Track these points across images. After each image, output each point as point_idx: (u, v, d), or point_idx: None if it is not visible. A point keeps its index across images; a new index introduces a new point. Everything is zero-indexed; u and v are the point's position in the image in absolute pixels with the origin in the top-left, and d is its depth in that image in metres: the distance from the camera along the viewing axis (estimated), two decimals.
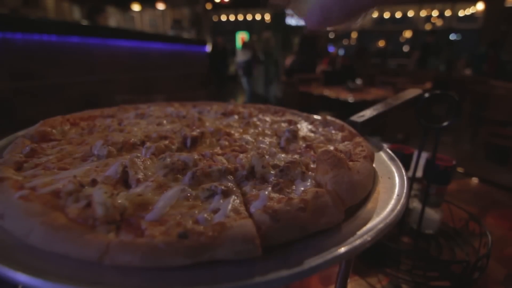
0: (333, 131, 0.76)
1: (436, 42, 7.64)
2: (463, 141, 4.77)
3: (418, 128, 0.83)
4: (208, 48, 7.40)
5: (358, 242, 0.37)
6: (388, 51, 11.72)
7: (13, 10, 5.23)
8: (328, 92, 4.67)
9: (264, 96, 7.08)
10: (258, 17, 13.93)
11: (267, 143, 0.66)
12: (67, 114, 0.76)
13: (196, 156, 0.52)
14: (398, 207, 0.46)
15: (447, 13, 11.73)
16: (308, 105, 4.78)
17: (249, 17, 14.28)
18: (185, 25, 11.15)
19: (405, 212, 0.94)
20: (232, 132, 0.73)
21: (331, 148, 0.63)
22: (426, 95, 0.82)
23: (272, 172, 0.50)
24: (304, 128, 0.80)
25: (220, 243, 0.33)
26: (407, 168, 0.93)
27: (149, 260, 0.31)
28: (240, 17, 14.53)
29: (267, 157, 0.55)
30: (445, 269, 0.83)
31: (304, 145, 0.65)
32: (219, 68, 8.03)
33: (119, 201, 0.39)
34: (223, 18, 14.81)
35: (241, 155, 0.56)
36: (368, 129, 0.75)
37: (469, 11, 10.75)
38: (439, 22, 12.03)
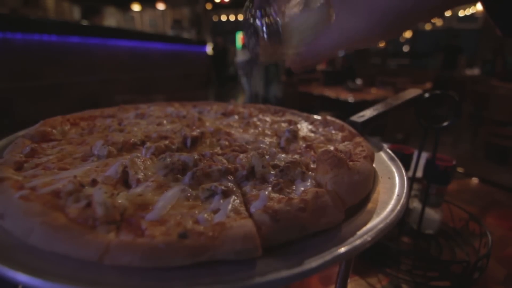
0: (333, 131, 0.76)
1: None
2: (463, 141, 4.78)
3: (418, 128, 0.83)
4: (208, 48, 7.39)
5: (358, 242, 0.37)
6: (388, 51, 11.72)
7: (13, 10, 5.22)
8: (328, 92, 4.68)
9: (264, 96, 7.06)
10: None
11: (267, 143, 0.66)
12: (67, 114, 0.76)
13: (196, 156, 0.52)
14: (398, 207, 0.45)
15: (447, 13, 11.72)
16: (308, 105, 4.78)
17: None
18: (185, 25, 11.13)
19: (405, 212, 0.94)
20: (232, 132, 0.73)
21: (331, 148, 0.63)
22: (426, 95, 0.82)
23: (272, 172, 0.50)
24: (304, 128, 0.80)
25: (220, 243, 0.33)
26: (407, 168, 0.93)
27: (149, 260, 0.31)
28: (240, 17, 14.52)
29: (267, 157, 0.55)
30: (445, 269, 0.83)
31: (304, 145, 0.65)
32: (219, 68, 8.03)
33: (119, 201, 0.39)
34: (223, 18, 14.80)
35: (241, 155, 0.56)
36: (368, 129, 0.75)
37: (469, 11, 10.73)
38: (439, 22, 12.01)
